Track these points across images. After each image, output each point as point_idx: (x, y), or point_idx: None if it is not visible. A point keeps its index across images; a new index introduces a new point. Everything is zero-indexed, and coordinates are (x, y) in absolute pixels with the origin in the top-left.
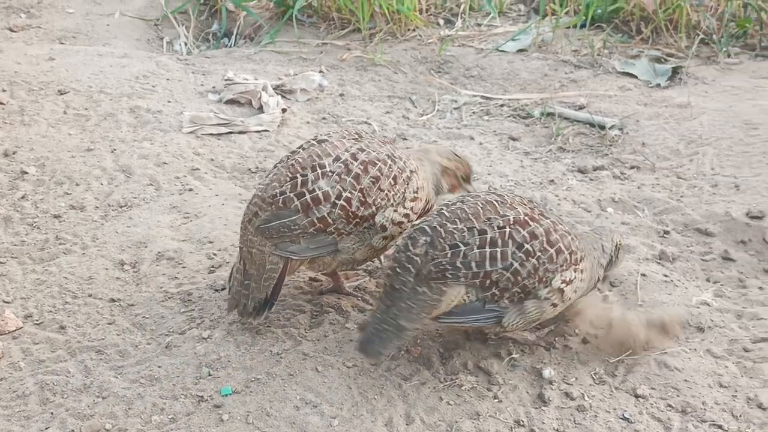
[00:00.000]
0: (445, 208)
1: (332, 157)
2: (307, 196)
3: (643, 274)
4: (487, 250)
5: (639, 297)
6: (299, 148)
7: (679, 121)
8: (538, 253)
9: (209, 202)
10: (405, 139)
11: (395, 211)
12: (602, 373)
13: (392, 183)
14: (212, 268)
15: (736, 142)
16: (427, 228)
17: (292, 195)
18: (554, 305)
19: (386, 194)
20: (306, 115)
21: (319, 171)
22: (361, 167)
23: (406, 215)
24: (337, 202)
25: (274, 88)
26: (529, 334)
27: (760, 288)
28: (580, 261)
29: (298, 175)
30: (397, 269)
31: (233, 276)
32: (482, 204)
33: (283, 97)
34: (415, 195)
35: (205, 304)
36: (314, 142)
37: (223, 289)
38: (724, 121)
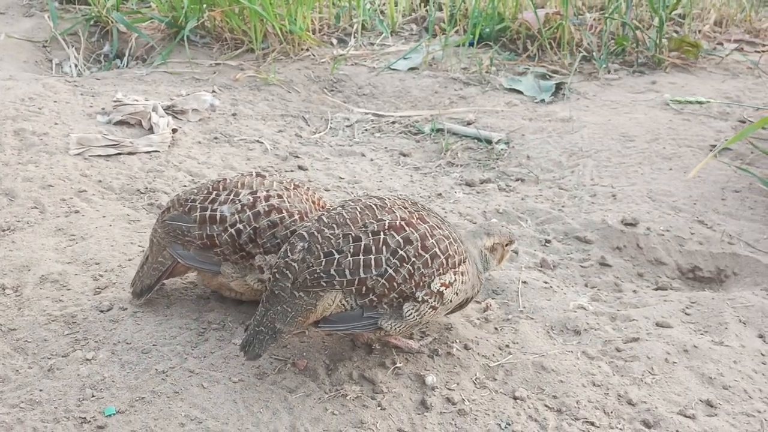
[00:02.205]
0: (325, 213)
1: (250, 191)
2: (207, 213)
3: (525, 282)
4: (361, 257)
5: (520, 303)
6: (241, 174)
7: (561, 134)
8: (413, 259)
9: (96, 224)
10: (297, 157)
11: None
12: (483, 377)
13: (287, 235)
14: (98, 289)
15: (614, 153)
16: (305, 234)
17: (198, 206)
18: (434, 308)
19: (279, 242)
20: (198, 135)
21: (231, 197)
22: (266, 209)
23: None
24: (228, 228)
25: (165, 109)
26: (414, 342)
27: (634, 291)
28: (460, 264)
29: (214, 192)
30: (277, 275)
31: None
32: (361, 208)
33: (174, 117)
34: None
35: (90, 326)
36: (253, 173)
37: (108, 310)
38: (603, 134)
